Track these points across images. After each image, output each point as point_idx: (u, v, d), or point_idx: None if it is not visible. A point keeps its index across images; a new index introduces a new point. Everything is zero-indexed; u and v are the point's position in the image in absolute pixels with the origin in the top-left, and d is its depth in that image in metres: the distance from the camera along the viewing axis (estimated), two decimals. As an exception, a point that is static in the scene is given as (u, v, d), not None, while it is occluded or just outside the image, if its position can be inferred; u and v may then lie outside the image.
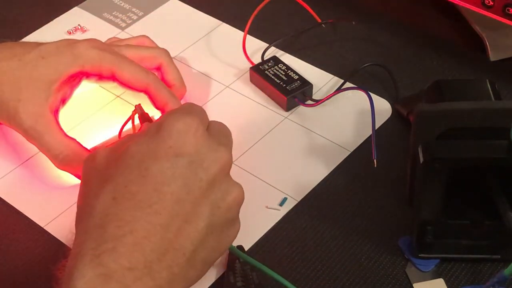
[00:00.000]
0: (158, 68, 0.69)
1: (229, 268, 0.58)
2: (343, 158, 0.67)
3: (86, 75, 0.66)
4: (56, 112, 0.64)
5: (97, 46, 0.66)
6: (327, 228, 0.62)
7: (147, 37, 0.71)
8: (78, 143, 0.63)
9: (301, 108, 0.71)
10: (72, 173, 0.63)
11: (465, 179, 0.57)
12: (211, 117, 0.67)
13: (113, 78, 0.66)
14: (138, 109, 0.62)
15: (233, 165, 0.64)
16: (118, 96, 0.72)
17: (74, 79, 0.65)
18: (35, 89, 0.63)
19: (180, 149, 0.49)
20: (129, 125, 0.64)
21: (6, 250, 0.61)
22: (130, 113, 0.63)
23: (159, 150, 0.49)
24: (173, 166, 0.49)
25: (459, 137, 0.55)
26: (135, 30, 0.80)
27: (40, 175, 0.66)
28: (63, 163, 0.63)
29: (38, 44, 0.65)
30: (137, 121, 0.63)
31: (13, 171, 0.67)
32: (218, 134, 0.53)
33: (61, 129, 0.64)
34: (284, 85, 0.71)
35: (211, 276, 0.58)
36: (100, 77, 0.66)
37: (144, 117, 0.62)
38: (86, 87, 0.68)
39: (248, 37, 0.75)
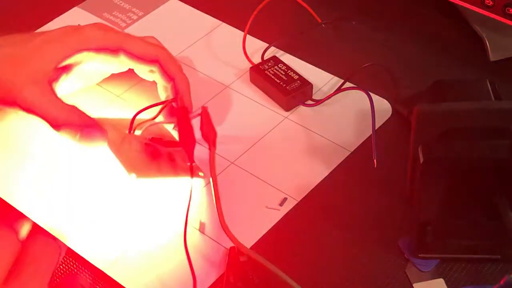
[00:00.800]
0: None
1: (229, 268, 0.58)
2: (343, 158, 0.67)
3: (91, 52, 0.66)
4: (54, 81, 0.64)
5: (102, 27, 0.66)
6: (327, 228, 0.62)
7: (155, 38, 0.71)
8: (78, 108, 0.63)
9: (301, 108, 0.71)
10: (72, 139, 0.62)
11: (465, 179, 0.57)
12: (211, 118, 0.67)
13: (120, 51, 0.66)
14: (179, 101, 0.62)
15: (233, 165, 0.64)
16: (118, 96, 0.72)
17: (77, 59, 0.66)
18: (35, 66, 0.63)
19: None
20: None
21: (6, 250, 0.61)
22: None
23: None
24: None
25: (459, 137, 0.55)
26: (135, 30, 0.80)
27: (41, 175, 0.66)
28: (63, 127, 0.62)
29: (45, 32, 0.66)
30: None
31: (13, 171, 0.66)
32: None
33: (57, 96, 0.63)
34: (284, 85, 0.71)
35: (211, 276, 0.58)
36: (107, 51, 0.66)
37: (177, 111, 0.62)
38: (91, 75, 0.68)
39: (248, 37, 0.75)
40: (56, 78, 0.64)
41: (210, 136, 0.61)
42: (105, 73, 0.71)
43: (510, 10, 0.69)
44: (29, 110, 0.63)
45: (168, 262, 0.60)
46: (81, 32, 0.66)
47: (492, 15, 0.70)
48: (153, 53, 0.67)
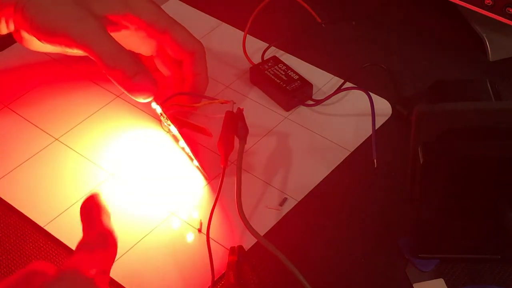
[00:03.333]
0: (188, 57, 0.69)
1: (229, 268, 0.58)
2: (343, 158, 0.67)
3: (141, 24, 0.66)
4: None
5: (155, 3, 0.66)
6: (327, 228, 0.62)
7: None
8: (134, 53, 0.62)
9: (301, 108, 0.71)
10: (122, 81, 0.61)
11: (465, 179, 0.57)
12: (211, 118, 0.67)
13: (164, 36, 0.66)
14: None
15: (233, 165, 0.64)
16: (118, 96, 0.72)
17: (128, 22, 0.65)
18: (90, 5, 0.63)
19: None
20: None
21: (6, 250, 0.61)
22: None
23: None
24: None
25: (459, 137, 0.55)
26: (135, 30, 0.80)
27: (41, 175, 0.66)
28: (116, 68, 0.61)
29: None
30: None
31: (13, 171, 0.67)
32: None
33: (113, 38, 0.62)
34: (284, 85, 0.71)
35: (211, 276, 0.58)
36: (153, 32, 0.66)
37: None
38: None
39: (248, 37, 0.75)
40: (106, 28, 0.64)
41: (243, 132, 0.63)
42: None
43: (510, 10, 0.69)
44: (82, 46, 0.61)
45: (168, 263, 0.60)
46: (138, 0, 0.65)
47: (492, 15, 0.70)
48: (193, 45, 0.67)
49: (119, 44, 0.62)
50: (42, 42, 0.64)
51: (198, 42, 0.68)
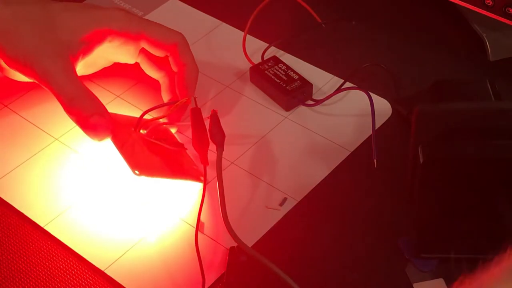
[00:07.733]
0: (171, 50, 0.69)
1: (229, 268, 0.58)
2: (343, 158, 0.67)
3: (112, 34, 0.66)
4: (75, 60, 0.64)
5: (124, 10, 0.67)
6: (327, 228, 0.62)
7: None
8: (93, 94, 0.63)
9: (301, 108, 0.71)
10: (79, 121, 0.62)
11: (465, 179, 0.57)
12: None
13: (141, 37, 0.67)
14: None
15: (233, 165, 0.64)
16: (118, 96, 0.72)
17: (99, 37, 0.66)
18: (61, 35, 0.63)
19: None
20: None
21: (6, 250, 0.61)
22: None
23: None
24: None
25: (459, 137, 0.55)
26: (135, 30, 0.80)
27: (41, 175, 0.66)
28: (73, 111, 0.62)
29: (62, 1, 0.66)
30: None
31: (13, 171, 0.67)
32: None
33: (77, 75, 0.63)
34: (284, 85, 0.71)
35: (211, 276, 0.58)
36: (128, 37, 0.66)
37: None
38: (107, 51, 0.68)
39: (248, 37, 0.75)
40: (77, 56, 0.64)
41: (218, 138, 0.61)
42: (110, 61, 0.71)
43: (510, 10, 0.69)
44: (45, 83, 0.62)
45: (168, 263, 0.60)
46: (105, 9, 0.66)
47: (492, 15, 0.70)
48: (173, 37, 0.67)
49: (80, 84, 0.63)
50: (19, 72, 0.65)
51: (177, 33, 0.68)
